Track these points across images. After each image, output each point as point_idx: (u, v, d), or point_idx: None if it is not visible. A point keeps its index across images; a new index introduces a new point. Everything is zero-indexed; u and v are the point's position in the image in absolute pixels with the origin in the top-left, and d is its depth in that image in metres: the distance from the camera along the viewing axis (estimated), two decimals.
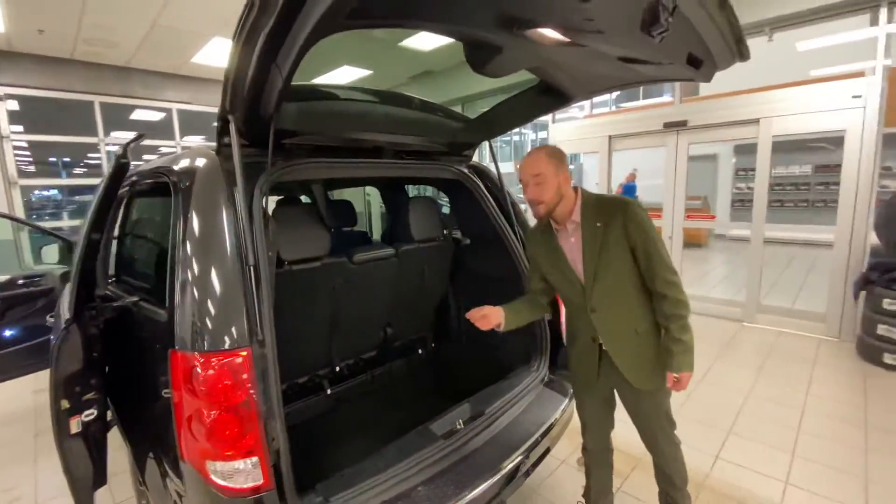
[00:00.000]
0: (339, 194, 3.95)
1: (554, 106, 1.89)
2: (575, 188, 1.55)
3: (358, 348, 2.30)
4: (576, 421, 2.68)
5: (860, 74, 3.89)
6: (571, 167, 15.97)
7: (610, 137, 5.51)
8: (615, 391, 1.69)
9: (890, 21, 3.70)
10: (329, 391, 2.17)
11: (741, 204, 10.74)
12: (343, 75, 6.59)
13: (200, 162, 1.43)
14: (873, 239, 4.01)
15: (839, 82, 3.92)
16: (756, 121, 4.34)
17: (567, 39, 1.14)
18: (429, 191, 5.60)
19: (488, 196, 2.25)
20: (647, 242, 1.43)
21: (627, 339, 1.54)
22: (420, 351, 2.63)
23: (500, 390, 1.95)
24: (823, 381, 3.32)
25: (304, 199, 2.87)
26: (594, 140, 5.70)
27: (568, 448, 2.56)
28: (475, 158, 2.45)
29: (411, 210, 2.21)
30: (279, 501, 1.18)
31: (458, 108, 6.48)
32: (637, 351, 1.55)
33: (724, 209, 10.77)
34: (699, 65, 1.33)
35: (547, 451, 1.86)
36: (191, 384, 1.15)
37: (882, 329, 3.49)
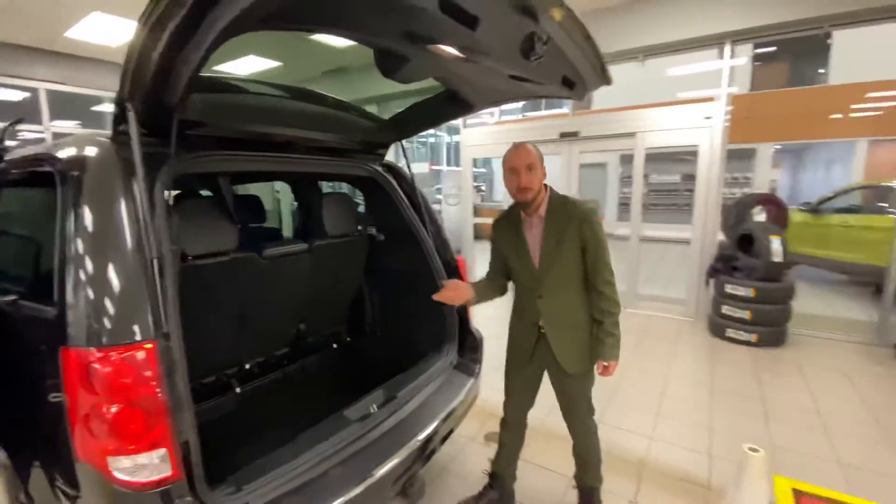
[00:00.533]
0: (245, 189, 3.78)
1: (459, 112, 2.07)
2: (545, 186, 1.71)
3: (269, 345, 2.27)
4: (482, 402, 2.93)
5: (711, 99, 4.71)
6: (483, 170, 16.83)
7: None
8: (545, 373, 1.86)
9: (732, 56, 4.53)
10: (238, 390, 2.12)
11: (626, 207, 12.21)
12: (249, 65, 6.25)
13: (92, 150, 1.35)
14: (721, 236, 4.89)
15: (694, 105, 4.71)
16: (633, 134, 5.02)
17: (462, 56, 1.30)
18: (344, 187, 5.55)
19: (401, 194, 2.37)
20: (597, 246, 1.65)
21: (566, 327, 1.74)
22: (335, 346, 2.66)
23: (411, 375, 2.08)
24: (682, 354, 3.99)
25: (207, 193, 2.73)
26: (501, 145, 6.09)
27: (474, 427, 2.78)
28: (391, 158, 2.56)
29: (325, 206, 2.24)
30: (189, 492, 1.18)
31: (373, 107, 6.49)
32: (572, 338, 1.75)
33: (613, 211, 12.14)
34: (573, 86, 1.59)
35: (454, 427, 2.04)
36: (88, 381, 1.10)
37: (725, 309, 4.28)
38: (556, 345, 1.74)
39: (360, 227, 2.49)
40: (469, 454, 2.55)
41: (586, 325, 1.76)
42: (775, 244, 4.01)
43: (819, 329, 4.43)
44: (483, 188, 13.61)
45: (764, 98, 10.19)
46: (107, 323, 1.13)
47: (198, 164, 1.55)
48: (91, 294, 1.13)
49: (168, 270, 1.24)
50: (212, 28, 0.95)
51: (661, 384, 3.36)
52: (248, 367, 2.16)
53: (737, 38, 4.38)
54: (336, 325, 2.65)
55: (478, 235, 11.14)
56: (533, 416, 2.04)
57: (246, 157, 1.72)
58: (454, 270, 2.38)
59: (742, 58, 8.66)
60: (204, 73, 1.18)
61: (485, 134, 6.46)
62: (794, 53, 10.52)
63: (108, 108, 6.92)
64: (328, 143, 2.02)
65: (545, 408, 2.03)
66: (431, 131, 24.08)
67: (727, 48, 4.46)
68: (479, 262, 7.30)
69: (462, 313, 2.39)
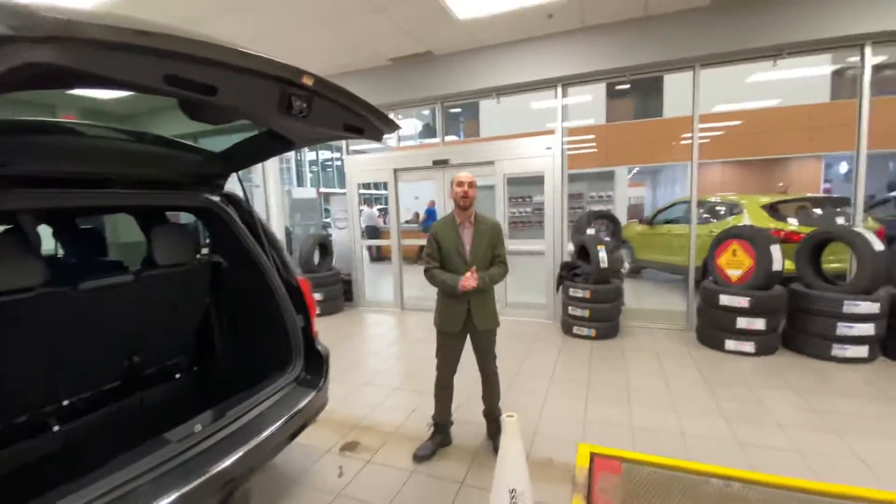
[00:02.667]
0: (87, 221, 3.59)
1: (282, 149, 2.31)
2: None
3: (95, 380, 2.22)
4: (344, 415, 3.12)
5: (551, 132, 5.52)
6: (385, 192, 17.15)
7: (395, 170, 6.33)
8: (468, 336, 2.66)
9: (564, 96, 5.39)
10: (57, 428, 2.05)
11: (514, 225, 13.30)
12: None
13: None
14: (571, 247, 5.68)
15: (537, 137, 5.49)
16: (492, 162, 5.67)
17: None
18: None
19: (239, 222, 2.50)
20: (500, 242, 2.66)
21: (481, 294, 2.57)
22: (178, 375, 2.66)
23: (249, 394, 2.19)
24: (535, 351, 4.54)
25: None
26: (383, 171, 6.44)
27: (332, 439, 2.94)
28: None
29: (154, 237, 2.30)
30: None
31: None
32: (484, 304, 2.61)
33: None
34: (361, 132, 1.92)
35: (293, 434, 2.19)
36: None
37: (570, 310, 4.97)
38: (476, 311, 2.58)
39: (199, 255, 2.57)
40: (322, 466, 2.68)
41: (491, 294, 2.68)
42: (601, 253, 4.79)
43: (646, 320, 5.33)
44: (379, 210, 13.80)
45: (615, 128, 11.96)
46: None
47: None
48: None
49: None
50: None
51: (510, 378, 3.81)
52: (67, 403, 2.09)
53: (565, 82, 5.24)
54: (178, 355, 2.65)
55: (381, 257, 11.38)
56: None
57: (52, 194, 1.76)
58: (296, 290, 2.55)
59: (582, 96, 10.12)
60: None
61: (368, 160, 6.76)
62: (636, 91, 12.53)
63: None
64: (149, 177, 2.11)
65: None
66: (329, 154, 24.25)
67: (559, 89, 5.31)
68: (371, 283, 7.50)
69: (307, 332, 2.56)
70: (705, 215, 6.82)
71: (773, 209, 5.81)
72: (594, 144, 12.22)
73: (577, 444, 2.82)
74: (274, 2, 4.10)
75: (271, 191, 7.32)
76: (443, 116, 6.10)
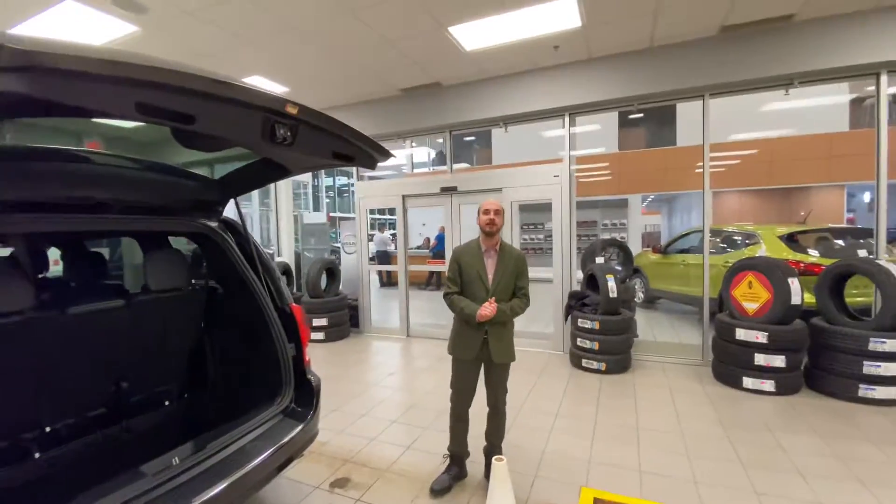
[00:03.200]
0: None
1: (278, 175, 2.32)
2: None
3: (80, 406, 2.19)
4: (337, 448, 3.00)
5: (559, 160, 5.50)
6: (392, 217, 17.30)
7: (404, 196, 6.38)
8: (482, 367, 2.60)
9: (572, 125, 5.39)
10: (38, 455, 2.01)
11: (526, 252, 13.21)
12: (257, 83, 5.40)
13: None
14: (581, 275, 5.55)
15: (545, 165, 5.47)
16: (500, 189, 5.66)
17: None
18: None
19: (235, 248, 2.50)
20: (524, 274, 2.57)
21: (500, 326, 2.51)
22: (167, 403, 2.61)
23: (233, 426, 2.12)
24: (541, 385, 4.37)
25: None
26: (392, 197, 6.49)
27: (324, 474, 2.83)
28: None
29: (148, 262, 2.31)
30: None
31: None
32: (502, 336, 2.53)
33: None
34: (351, 159, 1.91)
35: (279, 468, 2.11)
36: None
37: (579, 341, 4.80)
38: (493, 342, 2.49)
39: (193, 281, 2.56)
40: (311, 501, 2.57)
41: (510, 327, 2.59)
42: (610, 282, 4.66)
43: (659, 354, 5.12)
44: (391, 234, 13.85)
45: (628, 156, 11.92)
46: None
47: None
48: None
49: None
50: None
51: (513, 415, 3.63)
52: (50, 429, 2.06)
53: (572, 111, 5.25)
54: (168, 382, 2.61)
55: (391, 282, 11.33)
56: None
57: (51, 218, 1.78)
58: (289, 318, 2.51)
59: (593, 125, 10.17)
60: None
61: (377, 186, 6.84)
62: (649, 120, 12.55)
63: None
64: (147, 202, 2.14)
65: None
66: (346, 180, 24.66)
67: (566, 119, 5.32)
68: (379, 309, 7.45)
69: (298, 362, 2.50)
70: (722, 245, 6.64)
71: (792, 240, 5.60)
72: (607, 172, 12.19)
73: (580, 488, 2.68)
74: (288, 36, 4.26)
75: (283, 215, 7.44)
76: (451, 144, 6.16)
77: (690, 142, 11.06)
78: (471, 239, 2.70)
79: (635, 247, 11.82)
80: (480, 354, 2.53)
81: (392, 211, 6.76)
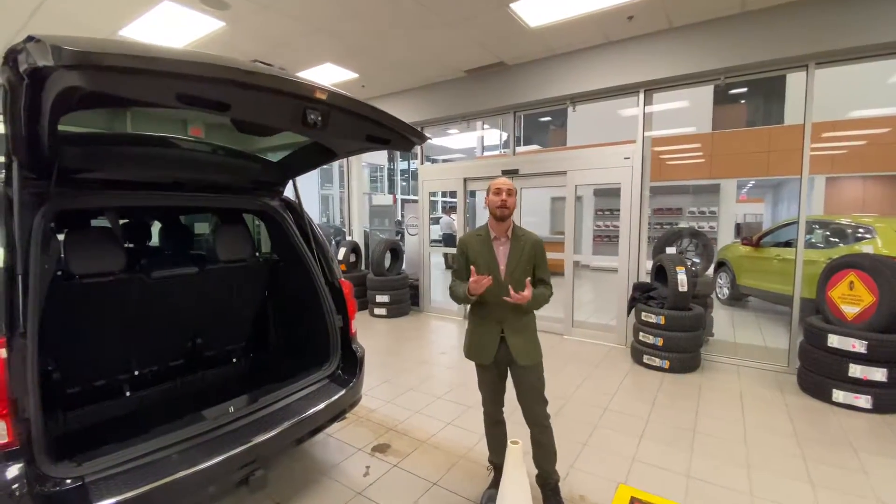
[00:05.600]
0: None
1: (327, 159, 2.48)
2: None
3: (162, 356, 2.58)
4: (383, 416, 3.15)
5: (632, 141, 5.12)
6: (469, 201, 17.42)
7: (465, 179, 6.39)
8: (508, 370, 2.25)
9: (648, 102, 4.97)
10: (128, 393, 2.41)
11: (601, 240, 12.55)
12: (326, 74, 5.80)
13: None
14: (648, 266, 5.18)
15: (615, 146, 5.13)
16: (564, 172, 5.43)
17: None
18: None
19: (293, 225, 2.73)
20: (543, 262, 2.22)
21: (518, 320, 2.17)
22: (235, 361, 2.96)
23: (283, 385, 2.37)
24: (598, 377, 4.21)
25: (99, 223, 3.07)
26: (453, 180, 6.54)
27: (367, 438, 3.04)
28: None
29: (217, 234, 2.61)
30: (23, 458, 1.47)
31: None
32: (523, 332, 2.17)
33: (588, 244, 12.45)
34: (387, 142, 1.98)
35: (320, 427, 2.32)
36: None
37: (642, 335, 4.53)
38: (512, 339, 2.15)
39: (257, 253, 2.85)
40: (351, 463, 2.78)
41: (531, 320, 2.24)
42: (680, 275, 4.30)
43: (736, 356, 4.65)
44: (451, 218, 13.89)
45: (723, 137, 10.68)
46: None
47: (82, 200, 1.93)
48: None
49: (33, 283, 1.59)
50: (44, 111, 1.34)
51: (559, 404, 3.58)
52: (138, 373, 2.46)
53: (648, 87, 4.83)
54: (236, 342, 2.96)
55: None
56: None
57: (129, 195, 2.10)
58: (338, 291, 2.70)
59: (680, 101, 9.18)
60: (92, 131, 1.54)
61: (439, 170, 6.92)
62: (752, 94, 11.09)
63: None
64: (213, 181, 2.41)
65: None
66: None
67: (641, 95, 4.91)
68: (441, 289, 7.63)
69: (345, 332, 2.69)
70: (832, 238, 5.77)
71: None
72: (699, 154, 11.06)
73: (618, 484, 2.58)
74: (355, 23, 4.42)
75: (354, 196, 7.86)
76: (514, 126, 6.01)
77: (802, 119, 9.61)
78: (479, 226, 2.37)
79: (727, 238, 10.67)
80: (500, 357, 2.18)
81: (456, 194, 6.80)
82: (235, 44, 4.86)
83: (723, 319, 6.37)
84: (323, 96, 1.54)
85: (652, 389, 3.91)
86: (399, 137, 1.97)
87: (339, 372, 2.62)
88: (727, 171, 10.78)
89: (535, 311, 2.26)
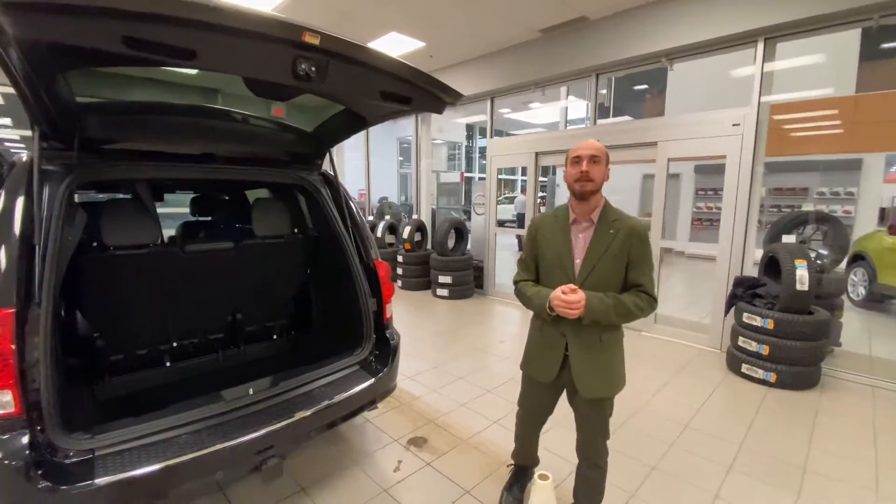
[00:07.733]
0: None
1: (360, 126, 2.23)
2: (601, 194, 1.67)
3: (202, 329, 2.59)
4: (426, 406, 2.91)
5: (744, 106, 4.20)
6: (544, 179, 16.44)
7: (537, 154, 5.84)
8: (564, 392, 1.82)
9: (769, 58, 4.01)
10: (168, 364, 2.46)
11: (700, 223, 11.05)
12: (391, 43, 5.50)
13: (21, 160, 1.76)
14: (757, 256, 4.28)
15: (720, 111, 4.24)
16: (654, 143, 4.65)
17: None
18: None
19: (329, 201, 2.56)
20: (642, 260, 1.60)
21: (590, 342, 1.64)
22: (275, 337, 2.92)
23: (309, 368, 2.23)
24: (681, 386, 3.58)
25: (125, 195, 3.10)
26: (524, 155, 6.02)
27: (406, 428, 2.85)
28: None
29: (254, 210, 2.53)
30: (29, 428, 1.46)
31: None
32: (594, 357, 1.64)
33: (685, 228, 11.06)
34: (408, 100, 1.65)
35: (340, 419, 2.16)
36: None
37: (741, 341, 3.76)
38: (576, 363, 1.65)
39: (295, 230, 2.73)
40: (384, 454, 2.61)
41: (612, 347, 1.67)
42: (800, 270, 3.44)
43: (869, 373, 3.69)
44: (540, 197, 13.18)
45: (868, 100, 8.60)
46: None
47: (110, 171, 1.91)
48: None
49: (51, 253, 1.57)
50: (51, 72, 1.24)
51: (623, 417, 3.05)
52: (175, 344, 2.49)
53: (768, 34, 3.87)
54: (277, 319, 2.91)
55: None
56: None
57: (159, 166, 2.05)
58: (373, 273, 2.50)
59: (813, 55, 7.38)
60: (117, 99, 1.49)
61: (509, 144, 6.43)
62: None
63: None
64: (245, 153, 2.30)
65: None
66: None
67: (760, 46, 3.96)
68: (509, 273, 7.23)
69: (379, 317, 2.49)
70: None
71: None
72: (836, 122, 9.07)
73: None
74: None
75: (423, 174, 7.68)
76: (596, 91, 5.29)
77: None
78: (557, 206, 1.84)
79: (867, 225, 8.70)
80: (563, 378, 1.73)
81: (544, 171, 6.26)
82: (301, 13, 4.81)
83: (855, 326, 5.19)
84: (314, 41, 1.26)
85: (750, 408, 3.22)
86: (423, 94, 1.63)
87: (371, 359, 2.43)
88: (874, 144, 8.69)
89: (621, 325, 1.67)
